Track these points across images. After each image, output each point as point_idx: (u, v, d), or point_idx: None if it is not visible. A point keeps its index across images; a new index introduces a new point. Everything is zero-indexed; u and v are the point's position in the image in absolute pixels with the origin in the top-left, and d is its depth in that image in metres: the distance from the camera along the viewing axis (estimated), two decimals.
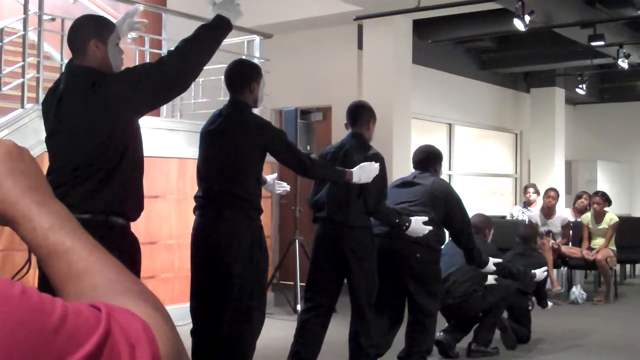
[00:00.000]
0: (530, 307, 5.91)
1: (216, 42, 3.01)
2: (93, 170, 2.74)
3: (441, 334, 5.22)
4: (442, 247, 4.85)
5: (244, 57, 6.58)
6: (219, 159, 3.71)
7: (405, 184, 4.85)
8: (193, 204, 3.79)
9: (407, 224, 4.38)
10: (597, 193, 8.78)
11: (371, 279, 4.28)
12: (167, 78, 2.85)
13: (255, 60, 6.88)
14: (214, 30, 3.01)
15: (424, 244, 4.55)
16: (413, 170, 4.97)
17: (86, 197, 2.73)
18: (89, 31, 2.91)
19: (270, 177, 4.25)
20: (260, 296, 3.75)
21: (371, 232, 4.36)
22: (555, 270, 8.41)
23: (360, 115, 4.47)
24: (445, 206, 4.67)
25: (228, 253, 3.58)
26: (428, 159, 4.93)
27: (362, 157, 4.15)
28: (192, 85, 5.10)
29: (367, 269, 4.27)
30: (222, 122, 3.74)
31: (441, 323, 5.27)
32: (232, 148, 3.67)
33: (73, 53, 2.96)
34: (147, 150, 3.14)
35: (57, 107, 2.84)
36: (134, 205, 2.89)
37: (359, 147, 4.35)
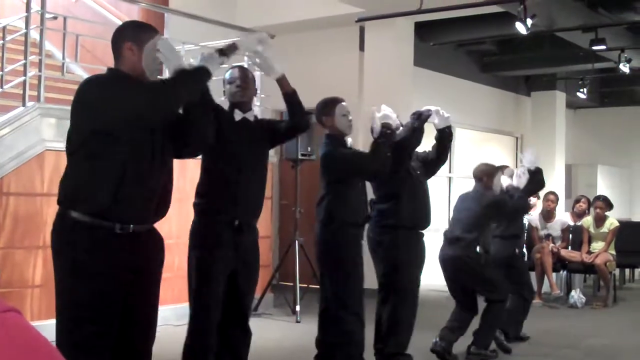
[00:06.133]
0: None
1: (194, 90, 3.03)
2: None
3: (436, 340, 5.17)
4: (483, 249, 5.33)
5: (245, 58, 6.58)
6: None
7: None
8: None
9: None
10: (598, 197, 8.77)
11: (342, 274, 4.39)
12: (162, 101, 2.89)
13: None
14: (195, 77, 3.02)
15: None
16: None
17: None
18: (125, 34, 2.92)
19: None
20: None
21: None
22: (554, 274, 8.40)
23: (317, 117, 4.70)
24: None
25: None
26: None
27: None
28: None
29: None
30: None
31: (442, 319, 5.27)
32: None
33: (114, 58, 2.96)
34: None
35: None
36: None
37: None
